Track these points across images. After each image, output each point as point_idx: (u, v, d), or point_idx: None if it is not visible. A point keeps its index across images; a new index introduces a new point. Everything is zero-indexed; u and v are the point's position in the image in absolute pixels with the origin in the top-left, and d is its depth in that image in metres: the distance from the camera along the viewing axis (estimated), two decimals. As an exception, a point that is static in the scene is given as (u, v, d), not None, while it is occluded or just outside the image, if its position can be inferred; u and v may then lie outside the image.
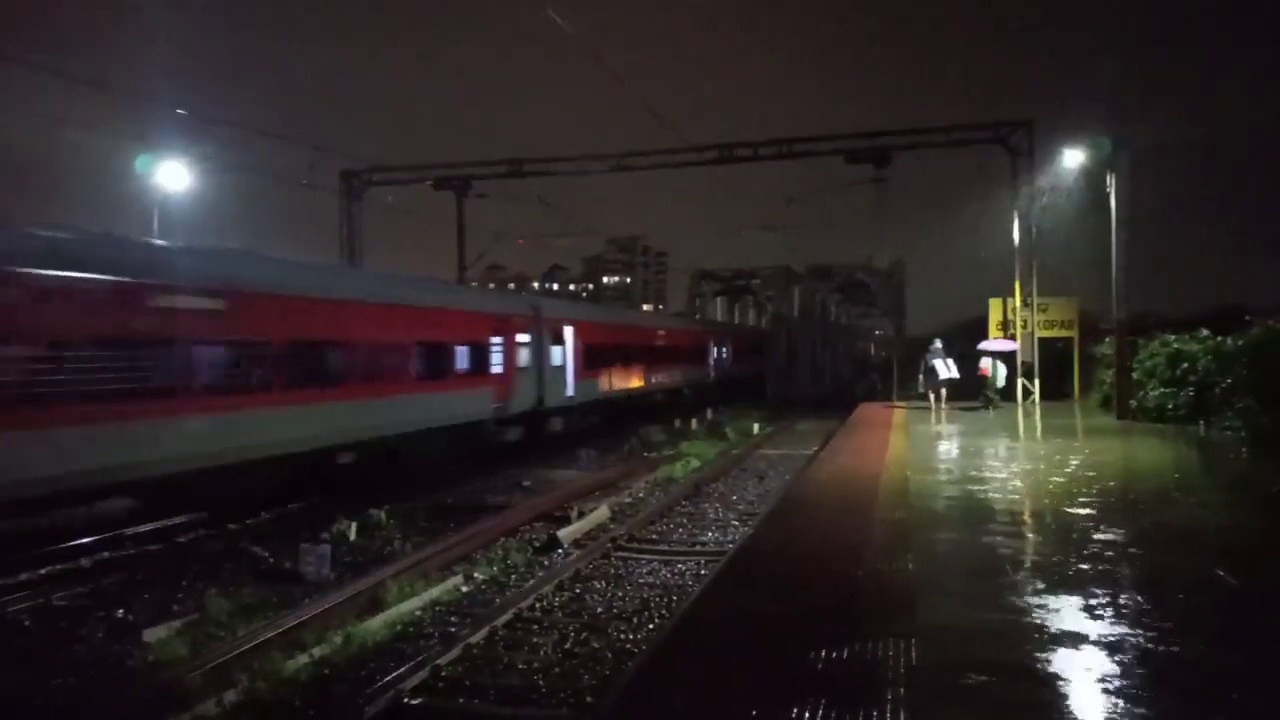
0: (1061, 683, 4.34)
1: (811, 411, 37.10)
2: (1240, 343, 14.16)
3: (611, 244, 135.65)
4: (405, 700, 6.92)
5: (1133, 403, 18.23)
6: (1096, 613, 5.41)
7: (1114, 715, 4.00)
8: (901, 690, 4.30)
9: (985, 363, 23.95)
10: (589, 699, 6.84)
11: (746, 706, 4.19)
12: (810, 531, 8.15)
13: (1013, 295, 23.35)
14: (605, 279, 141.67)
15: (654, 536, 13.27)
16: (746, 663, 4.85)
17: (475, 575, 11.33)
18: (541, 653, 8.03)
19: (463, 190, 26.38)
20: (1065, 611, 5.41)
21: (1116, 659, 4.70)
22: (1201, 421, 15.48)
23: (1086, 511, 8.70)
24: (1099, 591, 5.88)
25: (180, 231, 21.64)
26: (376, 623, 9.07)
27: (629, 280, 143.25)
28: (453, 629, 8.80)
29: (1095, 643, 4.91)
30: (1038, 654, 4.65)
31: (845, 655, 4.72)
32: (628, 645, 8.19)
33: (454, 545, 12.52)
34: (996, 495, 9.87)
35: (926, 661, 4.59)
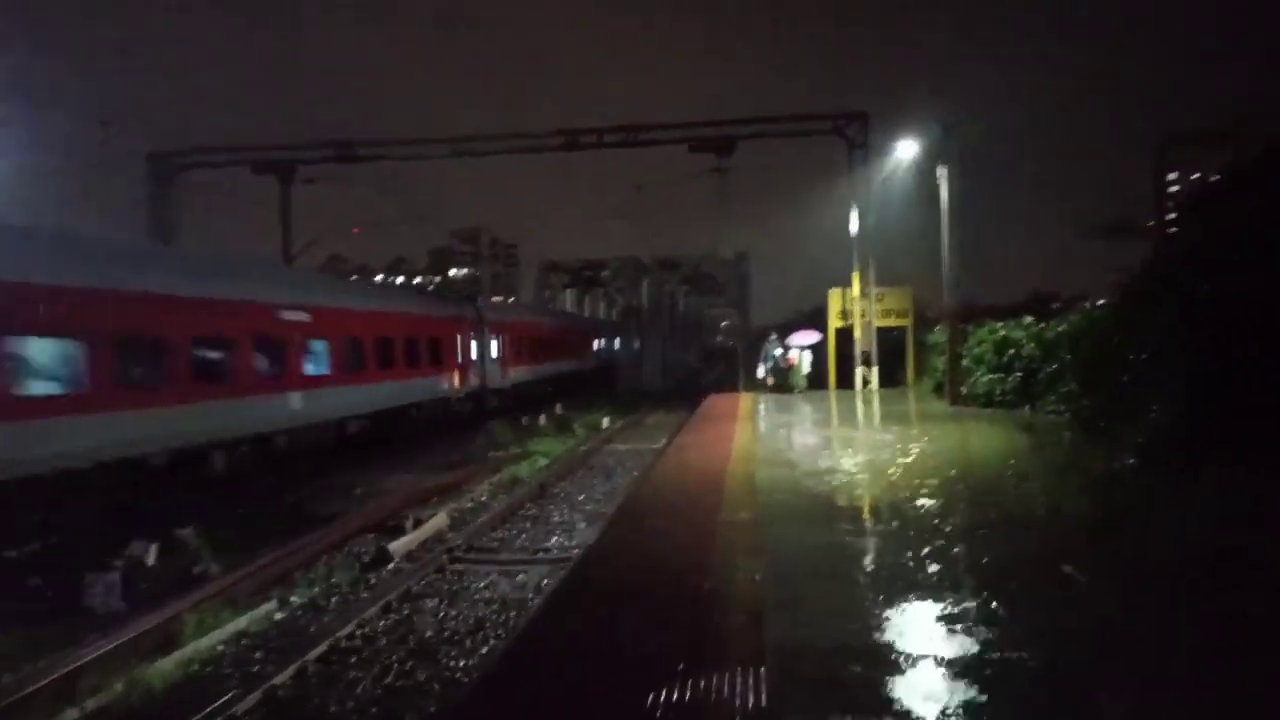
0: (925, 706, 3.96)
1: (661, 403, 37.06)
2: (1061, 329, 14.79)
3: (455, 236, 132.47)
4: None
5: (963, 389, 18.87)
6: (952, 624, 5.11)
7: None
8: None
9: (793, 354, 26.62)
10: (409, 744, 6.05)
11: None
12: (655, 537, 7.63)
13: (851, 285, 23.89)
14: (452, 271, 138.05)
15: (494, 544, 12.49)
16: (581, 697, 4.25)
17: (292, 599, 10.23)
18: (359, 690, 7.14)
19: (287, 175, 24.47)
20: (918, 623, 5.08)
21: (974, 676, 4.39)
22: (1028, 406, 16.13)
23: (930, 503, 8.61)
24: (951, 597, 5.62)
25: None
26: (169, 663, 7.90)
27: (478, 273, 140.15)
28: (256, 668, 7.76)
29: (952, 662, 4.58)
30: (893, 679, 4.24)
31: (688, 694, 4.18)
32: (457, 674, 7.42)
33: (269, 565, 11.32)
34: (841, 488, 9.71)
35: (777, 692, 4.11)
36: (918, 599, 5.55)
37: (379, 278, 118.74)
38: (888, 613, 5.28)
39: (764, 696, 4.06)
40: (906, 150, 21.15)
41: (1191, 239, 9.90)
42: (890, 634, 4.88)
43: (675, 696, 4.08)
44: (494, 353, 28.41)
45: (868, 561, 6.50)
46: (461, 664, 7.67)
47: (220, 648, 8.59)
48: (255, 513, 14.73)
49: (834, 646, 4.77)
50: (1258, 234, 8.80)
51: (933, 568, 6.23)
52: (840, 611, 5.27)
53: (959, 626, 5.00)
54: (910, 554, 6.65)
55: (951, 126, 19.05)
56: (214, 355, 15.43)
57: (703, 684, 4.21)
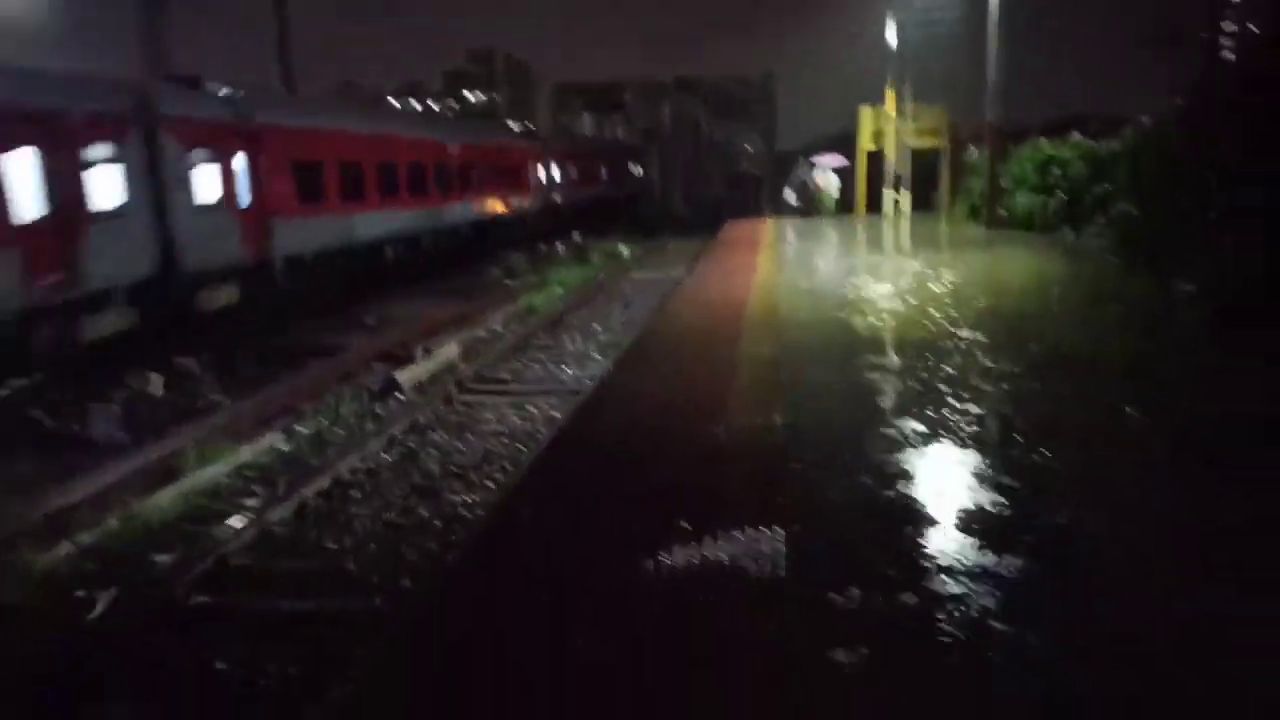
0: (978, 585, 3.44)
1: (684, 230, 36.05)
2: (1117, 147, 13.60)
3: (470, 57, 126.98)
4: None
5: (1001, 212, 17.80)
6: (998, 481, 4.54)
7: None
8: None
9: (819, 176, 25.91)
10: (406, 583, 5.75)
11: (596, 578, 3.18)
12: (669, 376, 7.08)
13: (883, 104, 22.32)
14: (469, 95, 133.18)
15: (506, 376, 12.09)
16: (594, 532, 3.81)
17: (298, 431, 9.95)
18: (356, 527, 6.84)
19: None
20: (959, 479, 4.48)
21: (1016, 546, 3.87)
22: (1070, 231, 15.14)
23: (970, 336, 7.93)
24: (989, 452, 5.03)
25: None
26: (166, 497, 7.66)
27: (496, 97, 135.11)
28: (255, 502, 7.50)
29: (988, 532, 4.04)
30: (936, 551, 3.67)
31: (692, 555, 3.69)
32: (459, 509, 7.11)
33: (275, 397, 11.02)
34: (870, 321, 9.03)
35: (801, 557, 3.61)
36: (950, 452, 4.95)
37: (393, 103, 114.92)
38: (917, 467, 4.69)
39: (782, 564, 3.57)
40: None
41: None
42: (928, 496, 4.28)
43: (673, 556, 3.61)
44: (557, 178, 34.10)
45: (895, 408, 5.88)
46: (465, 499, 7.35)
47: (225, 478, 8.36)
48: (265, 344, 14.39)
49: (851, 502, 4.24)
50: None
51: (970, 412, 5.61)
52: (865, 467, 4.70)
53: (998, 487, 4.42)
54: (943, 399, 6.03)
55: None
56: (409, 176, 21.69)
57: (709, 545, 3.72)
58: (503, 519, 4.64)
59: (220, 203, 14.83)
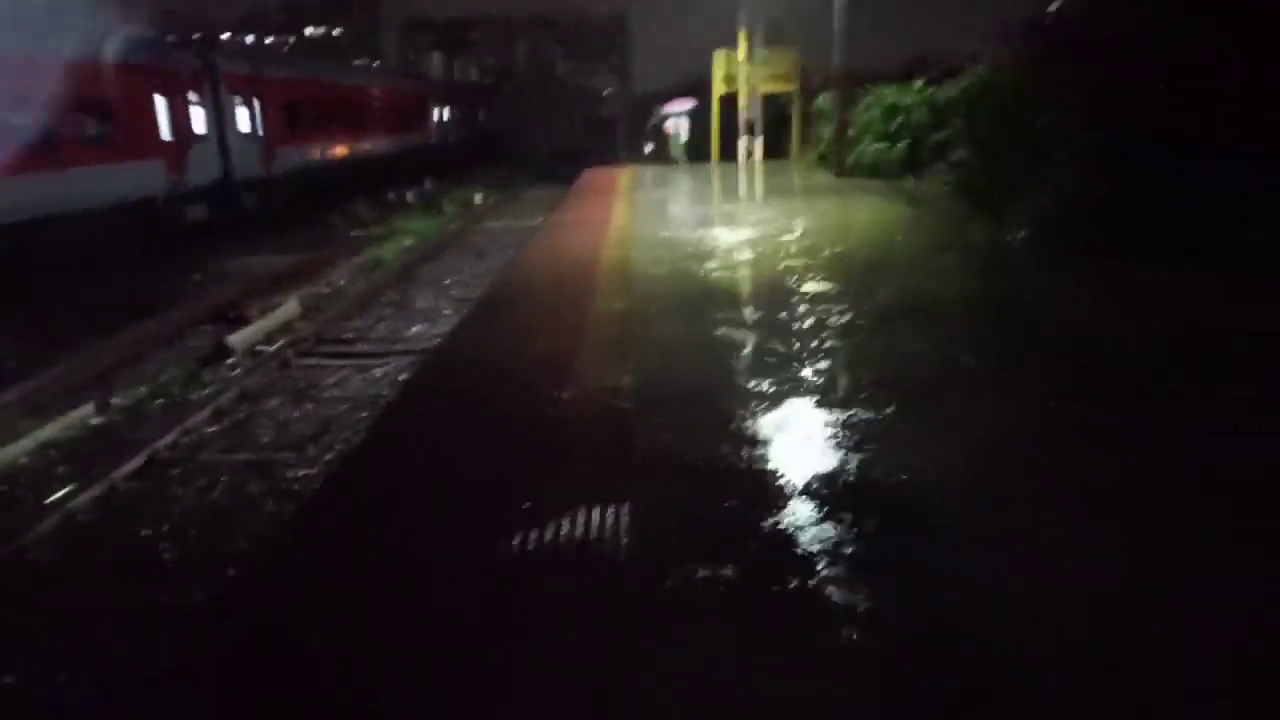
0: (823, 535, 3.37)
1: (540, 177, 35.27)
2: (953, 94, 13.96)
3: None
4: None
5: (850, 159, 18.13)
6: (843, 433, 4.50)
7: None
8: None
9: (669, 124, 25.11)
10: (231, 571, 5.28)
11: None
12: (516, 338, 6.76)
13: (737, 48, 22.21)
14: (309, 30, 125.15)
15: (349, 335, 11.45)
16: (423, 508, 3.52)
17: (113, 402, 9.10)
18: (176, 511, 6.27)
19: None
20: (806, 442, 4.41)
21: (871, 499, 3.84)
22: (912, 177, 15.56)
23: (814, 287, 7.96)
24: (839, 400, 5.01)
25: None
26: (-49, 486, 6.81)
27: (338, 32, 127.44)
28: (57, 486, 6.76)
29: (839, 487, 3.99)
30: (786, 515, 3.57)
31: (529, 537, 3.46)
32: (294, 486, 6.63)
33: (89, 362, 10.04)
34: (720, 273, 8.95)
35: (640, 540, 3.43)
36: (799, 402, 4.91)
37: (226, 35, 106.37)
38: (766, 422, 4.61)
39: (623, 547, 3.38)
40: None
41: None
42: (778, 456, 4.19)
43: (503, 535, 3.37)
44: (445, 117, 38.87)
45: (747, 360, 5.78)
46: (300, 474, 6.86)
47: (23, 460, 7.53)
48: (79, 300, 13.05)
49: (703, 480, 4.11)
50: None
51: (819, 364, 5.59)
52: (714, 427, 4.57)
53: (849, 436, 4.39)
54: (792, 348, 6.00)
55: None
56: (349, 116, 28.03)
57: (549, 526, 3.49)
58: (322, 497, 4.27)
59: (250, 133, 21.72)
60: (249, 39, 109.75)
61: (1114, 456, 4.10)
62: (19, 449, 7.63)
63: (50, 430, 8.12)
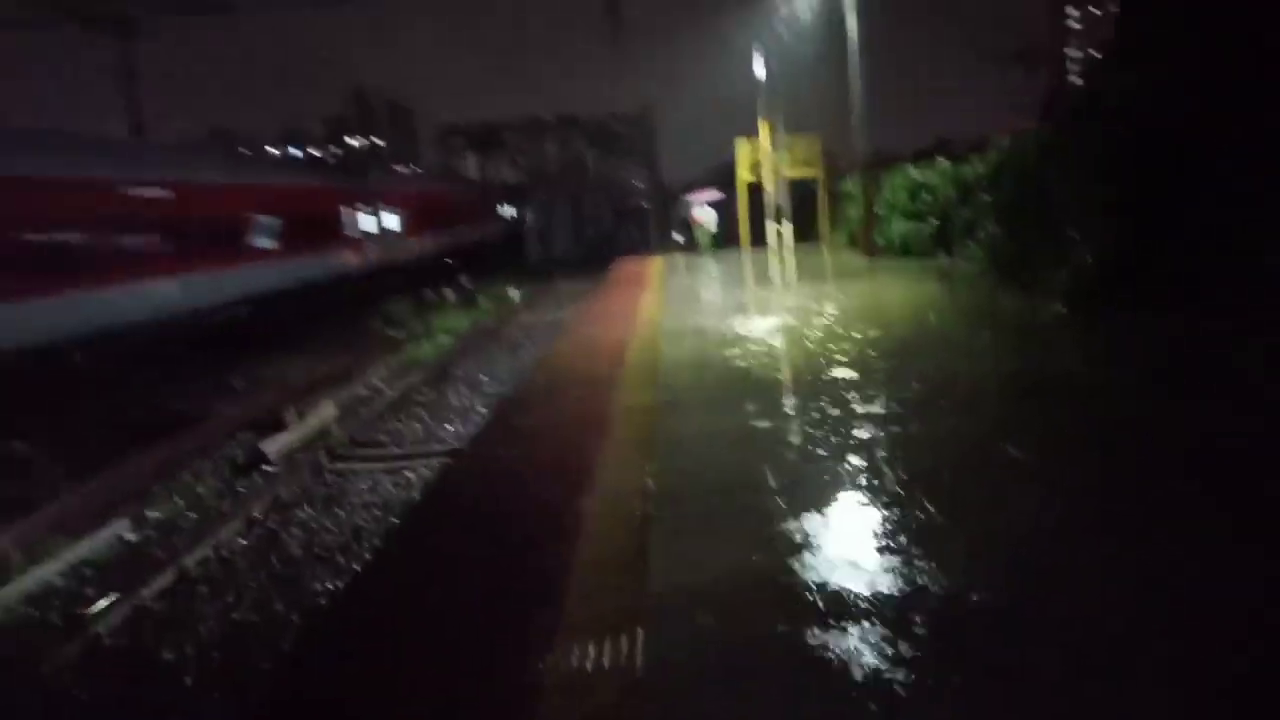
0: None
1: (573, 270, 35.76)
2: (978, 167, 13.93)
3: (350, 101, 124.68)
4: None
5: (879, 239, 18.10)
6: (889, 542, 4.25)
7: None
8: None
9: (696, 212, 25.88)
10: (252, 696, 5.10)
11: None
12: (540, 435, 6.65)
13: (758, 136, 22.57)
14: (351, 141, 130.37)
15: (382, 438, 11.43)
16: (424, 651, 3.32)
17: (149, 516, 9.10)
18: (200, 630, 6.14)
19: (127, 31, 21.40)
20: (842, 545, 4.14)
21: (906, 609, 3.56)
22: (945, 254, 15.44)
23: (848, 373, 7.77)
24: (883, 502, 4.77)
25: None
26: (-16, 610, 6.77)
27: (377, 141, 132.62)
28: (86, 608, 6.68)
29: (888, 602, 3.74)
30: (814, 635, 3.28)
31: (550, 672, 3.24)
32: (321, 599, 6.48)
33: (125, 477, 10.09)
34: (752, 361, 8.81)
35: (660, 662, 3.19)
36: (833, 506, 4.64)
37: (272, 149, 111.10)
38: (796, 528, 4.32)
39: (638, 668, 3.16)
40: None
41: (1128, 39, 8.90)
42: (804, 571, 3.90)
43: (514, 667, 3.17)
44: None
45: (776, 456, 5.53)
46: (329, 585, 6.72)
47: (59, 579, 7.49)
48: (115, 413, 13.24)
49: (732, 575, 3.88)
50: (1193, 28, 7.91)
51: (853, 461, 5.32)
52: (740, 536, 4.31)
53: (896, 543, 4.12)
54: (826, 441, 5.76)
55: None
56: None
57: (558, 653, 3.28)
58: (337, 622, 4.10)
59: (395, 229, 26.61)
60: (292, 150, 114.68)
61: (1212, 577, 3.49)
62: (51, 569, 7.60)
63: (85, 548, 8.11)
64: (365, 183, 25.79)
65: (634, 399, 7.36)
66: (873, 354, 8.53)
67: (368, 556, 7.23)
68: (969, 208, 14.36)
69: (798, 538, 4.17)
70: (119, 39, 21.48)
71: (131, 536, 8.54)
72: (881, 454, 5.32)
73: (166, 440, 11.66)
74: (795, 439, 5.81)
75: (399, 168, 46.54)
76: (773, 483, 4.96)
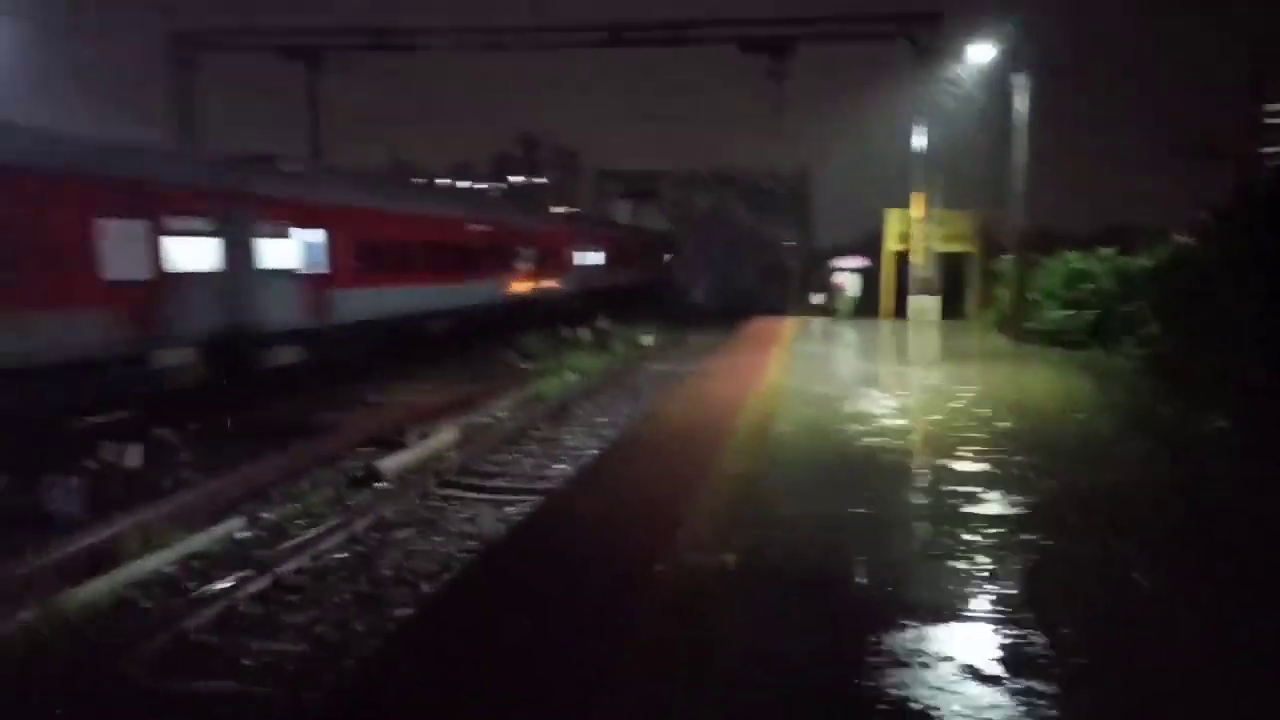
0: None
1: (709, 322, 35.70)
2: (1144, 263, 12.99)
3: (518, 141, 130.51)
4: None
5: (1029, 325, 17.15)
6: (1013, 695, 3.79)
7: None
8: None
9: (839, 278, 25.80)
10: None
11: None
12: (634, 489, 6.49)
13: (911, 206, 22.00)
14: (513, 179, 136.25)
15: (492, 469, 11.53)
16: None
17: (262, 517, 9.45)
18: (282, 639, 6.24)
19: (315, 62, 23.12)
20: (957, 679, 3.72)
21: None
22: (1100, 348, 14.42)
23: (975, 468, 7.23)
24: (1006, 633, 4.25)
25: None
26: (94, 590, 7.11)
27: (544, 180, 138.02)
28: (182, 602, 6.93)
29: None
30: None
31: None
32: (393, 627, 6.46)
33: (249, 476, 10.55)
34: (868, 441, 8.36)
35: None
36: (936, 626, 4.18)
37: (442, 182, 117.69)
38: (883, 647, 3.92)
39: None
40: (978, 55, 18.94)
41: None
42: (883, 694, 3.50)
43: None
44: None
45: (873, 556, 5.13)
46: (408, 614, 6.71)
47: (168, 568, 7.83)
48: (257, 420, 14.04)
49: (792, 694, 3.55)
50: None
51: (965, 569, 4.86)
52: (816, 642, 3.96)
53: (1008, 681, 3.64)
54: (936, 543, 5.31)
55: (1029, 28, 16.82)
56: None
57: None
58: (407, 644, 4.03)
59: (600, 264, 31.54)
60: (461, 184, 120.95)
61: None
62: (162, 558, 7.95)
63: (200, 540, 8.46)
64: (585, 227, 36.20)
65: (734, 465, 7.09)
66: (1005, 450, 7.93)
67: (445, 588, 7.21)
68: (1130, 302, 13.37)
69: (871, 663, 3.80)
70: (308, 70, 23.22)
71: (243, 535, 8.87)
72: (996, 568, 4.85)
73: (299, 444, 12.17)
74: (885, 531, 5.41)
75: (594, 216, 48.48)
76: (860, 579, 4.60)
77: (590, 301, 33.37)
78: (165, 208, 13.09)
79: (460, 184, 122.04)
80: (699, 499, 6.02)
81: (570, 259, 33.03)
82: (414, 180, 74.06)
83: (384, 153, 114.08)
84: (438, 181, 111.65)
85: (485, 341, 23.74)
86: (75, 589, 6.90)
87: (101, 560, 7.66)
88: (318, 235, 16.92)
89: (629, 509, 5.86)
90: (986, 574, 4.73)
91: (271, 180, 16.17)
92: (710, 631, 3.89)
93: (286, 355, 16.22)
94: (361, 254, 18.37)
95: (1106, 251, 15.94)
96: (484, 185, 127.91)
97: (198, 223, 13.85)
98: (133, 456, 11.35)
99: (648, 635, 3.89)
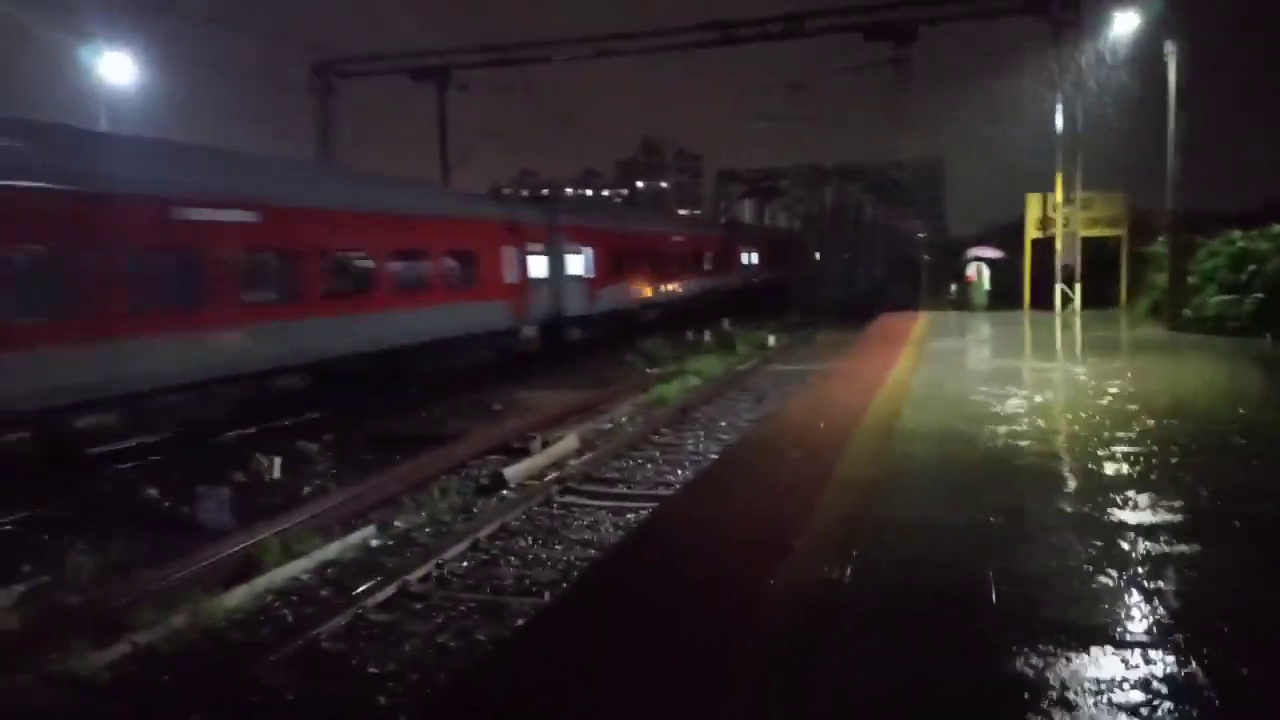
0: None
1: (837, 320, 34.87)
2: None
3: (642, 147, 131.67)
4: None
5: (1187, 312, 15.82)
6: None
7: None
8: None
9: (971, 269, 24.89)
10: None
11: None
12: (748, 497, 6.28)
13: (1054, 190, 20.72)
14: (639, 184, 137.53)
15: (613, 475, 11.52)
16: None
17: (395, 525, 9.73)
18: (405, 648, 6.36)
19: (442, 81, 23.93)
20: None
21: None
22: (1269, 335, 13.13)
23: (1129, 471, 6.64)
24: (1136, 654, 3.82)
25: (132, 129, 19.79)
26: (237, 597, 7.47)
27: (665, 185, 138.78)
28: (314, 609, 7.18)
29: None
30: None
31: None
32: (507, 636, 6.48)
33: (381, 486, 10.91)
34: (1003, 445, 7.83)
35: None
36: (1077, 663, 3.76)
37: (568, 191, 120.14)
38: (1014, 677, 3.55)
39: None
40: (1124, 25, 17.64)
41: None
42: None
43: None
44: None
45: (1002, 575, 4.69)
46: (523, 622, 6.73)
47: (305, 575, 8.15)
48: (387, 427, 14.57)
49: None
50: None
51: (1118, 601, 4.36)
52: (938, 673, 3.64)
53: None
54: (1080, 568, 4.82)
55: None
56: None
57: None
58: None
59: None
60: (587, 191, 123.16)
61: None
62: (300, 566, 8.28)
63: (334, 549, 8.78)
64: (743, 233, 42.33)
65: (855, 472, 6.77)
66: (1159, 452, 7.27)
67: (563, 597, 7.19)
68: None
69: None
70: (438, 89, 24.11)
71: (375, 542, 9.16)
72: (1151, 587, 4.39)
73: (428, 453, 12.53)
74: (1012, 546, 4.97)
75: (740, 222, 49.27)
76: (994, 599, 4.24)
77: (750, 294, 39.35)
78: (526, 238, 20.95)
79: (586, 192, 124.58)
80: (811, 508, 5.76)
81: (738, 259, 40.09)
82: (543, 191, 75.89)
83: (513, 166, 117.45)
84: (566, 191, 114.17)
85: (680, 324, 29.02)
86: (220, 595, 7.27)
87: (245, 568, 8.04)
88: (589, 250, 24.18)
89: (743, 521, 5.67)
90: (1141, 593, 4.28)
91: (568, 215, 23.95)
92: (818, 659, 3.66)
93: (574, 333, 24.07)
94: (609, 263, 25.50)
95: (1277, 229, 14.52)
96: (607, 192, 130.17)
97: (538, 246, 21.59)
98: (274, 468, 11.96)
99: (748, 675, 3.69)
